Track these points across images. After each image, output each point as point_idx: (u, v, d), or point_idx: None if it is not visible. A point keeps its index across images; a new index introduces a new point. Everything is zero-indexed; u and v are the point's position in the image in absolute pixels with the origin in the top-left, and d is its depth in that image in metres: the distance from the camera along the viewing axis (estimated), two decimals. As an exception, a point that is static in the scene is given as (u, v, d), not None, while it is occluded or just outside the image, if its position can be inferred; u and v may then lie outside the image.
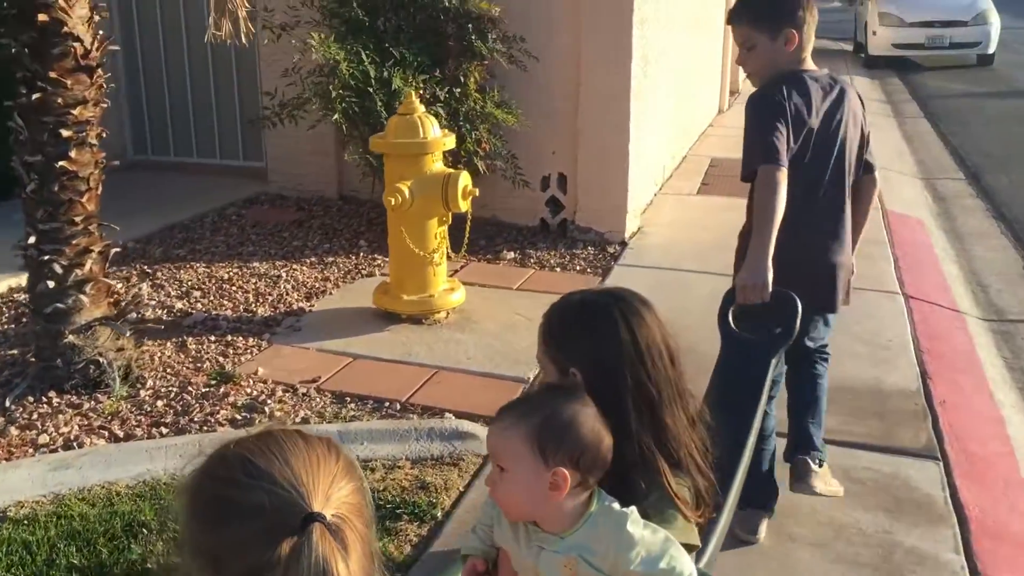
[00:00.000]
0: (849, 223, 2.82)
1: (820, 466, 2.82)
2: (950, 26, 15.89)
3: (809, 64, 2.79)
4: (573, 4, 5.69)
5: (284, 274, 5.00)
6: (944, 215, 7.17)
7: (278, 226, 5.80)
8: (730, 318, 2.52)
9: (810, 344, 2.86)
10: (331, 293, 4.82)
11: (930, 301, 5.05)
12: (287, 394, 3.70)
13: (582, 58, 5.71)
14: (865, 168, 2.87)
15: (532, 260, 5.51)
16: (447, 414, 3.56)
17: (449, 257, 4.60)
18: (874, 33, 16.23)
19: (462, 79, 5.20)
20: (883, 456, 3.38)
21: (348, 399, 3.67)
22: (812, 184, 2.71)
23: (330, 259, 5.28)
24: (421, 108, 4.36)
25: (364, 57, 4.83)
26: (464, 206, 4.34)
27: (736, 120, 10.68)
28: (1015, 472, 3.38)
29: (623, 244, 5.86)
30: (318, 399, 3.66)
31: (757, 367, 2.34)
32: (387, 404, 3.63)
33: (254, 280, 4.89)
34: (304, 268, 5.12)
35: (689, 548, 1.55)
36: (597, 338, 1.64)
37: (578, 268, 5.41)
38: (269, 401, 3.61)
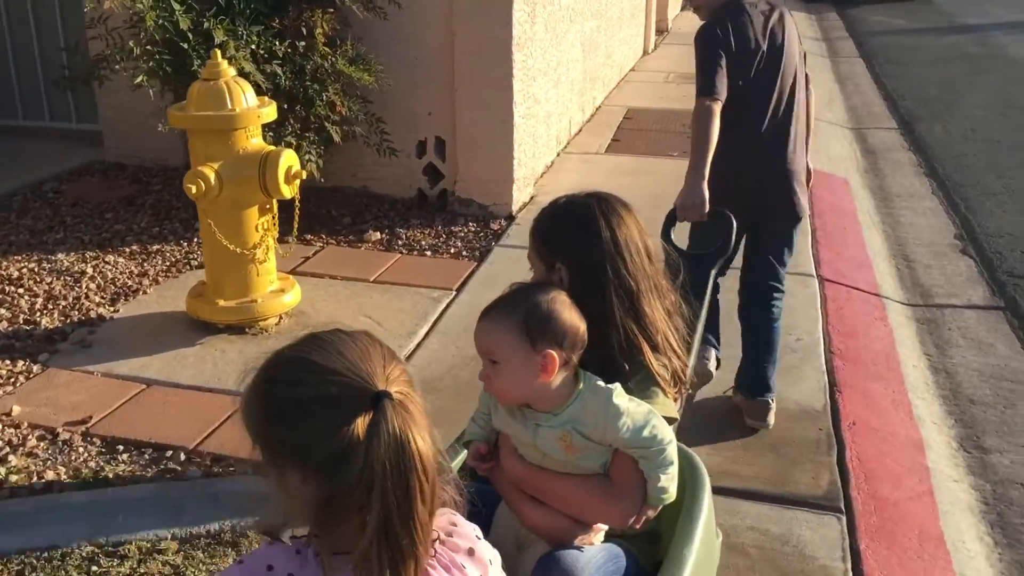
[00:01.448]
0: (803, 134, 3.13)
1: (773, 401, 3.18)
2: (890, -43, 15.19)
3: None
4: (444, -62, 4.86)
5: (91, 269, 4.19)
6: (873, 172, 6.55)
7: (102, 205, 4.95)
8: (671, 235, 2.65)
9: (778, 265, 3.16)
10: (145, 293, 4.03)
11: (848, 284, 4.43)
12: (43, 443, 2.95)
13: (455, 3, 4.90)
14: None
15: (401, 242, 4.77)
16: (242, 468, 2.85)
17: (285, 241, 3.84)
18: (811, -35, 15.46)
19: (305, 30, 4.37)
20: (774, 509, 2.75)
21: (121, 448, 2.93)
22: (763, 103, 2.97)
23: (156, 247, 4.48)
24: (230, 71, 3.55)
25: (176, 5, 3.97)
26: (288, 191, 3.57)
27: (662, 63, 9.94)
28: (933, 522, 2.78)
29: (510, 218, 5.14)
30: (82, 449, 2.92)
31: (700, 280, 2.46)
32: (169, 454, 2.91)
33: (50, 279, 4.08)
34: (120, 260, 4.31)
35: (669, 421, 1.68)
36: (580, 235, 1.77)
37: (452, 250, 4.69)
38: (11, 456, 2.85)
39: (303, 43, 4.39)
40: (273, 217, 3.70)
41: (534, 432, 1.64)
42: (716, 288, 3.00)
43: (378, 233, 4.85)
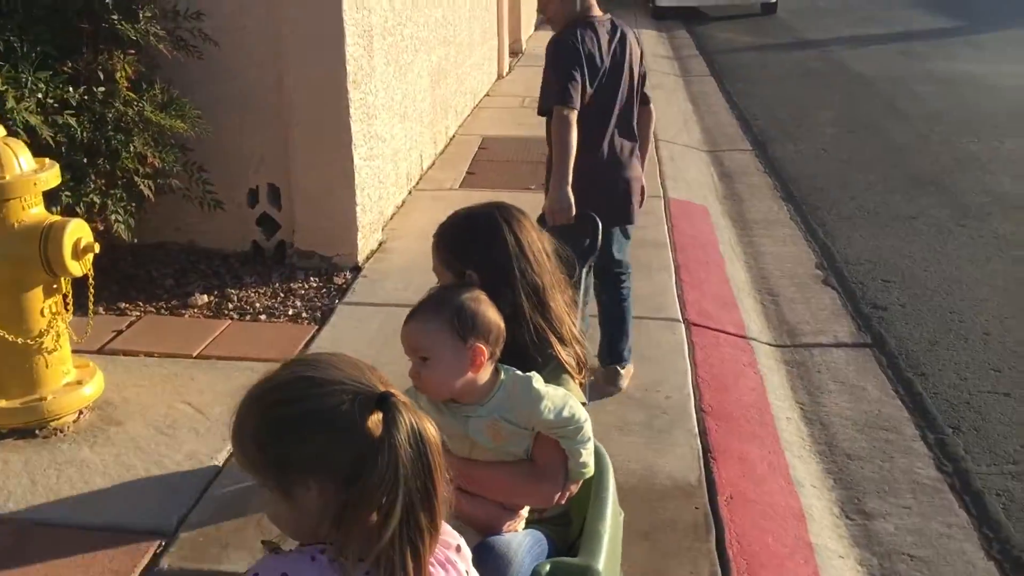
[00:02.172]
0: (637, 147, 3.37)
1: (624, 367, 3.54)
2: (734, -26, 15.56)
3: (596, 11, 3.27)
4: (264, -32, 4.40)
5: None
6: (731, 197, 6.45)
7: None
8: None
9: (618, 256, 3.45)
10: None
11: (715, 328, 4.22)
12: None
13: (283, 38, 4.45)
14: (643, 100, 3.41)
15: (232, 304, 4.27)
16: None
17: (89, 311, 3.30)
18: (660, -17, 15.67)
19: (103, 75, 3.84)
20: (651, 617, 2.44)
21: None
22: (605, 115, 3.22)
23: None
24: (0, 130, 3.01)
25: (-63, 51, 3.38)
26: (78, 269, 3.04)
27: (517, 87, 9.70)
28: (821, 613, 2.53)
29: (356, 270, 4.71)
30: None
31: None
32: (-78, 615, 2.35)
33: None
34: None
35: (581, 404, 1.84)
36: (486, 242, 1.90)
37: (291, 312, 4.22)
38: None
39: (102, 88, 3.84)
40: (65, 297, 3.16)
41: (465, 423, 1.75)
42: (588, 286, 3.17)
43: (205, 296, 4.33)
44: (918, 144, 7.56)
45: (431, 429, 1.16)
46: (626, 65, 3.24)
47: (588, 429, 1.78)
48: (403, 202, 5.86)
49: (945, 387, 3.82)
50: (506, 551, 1.69)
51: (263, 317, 4.17)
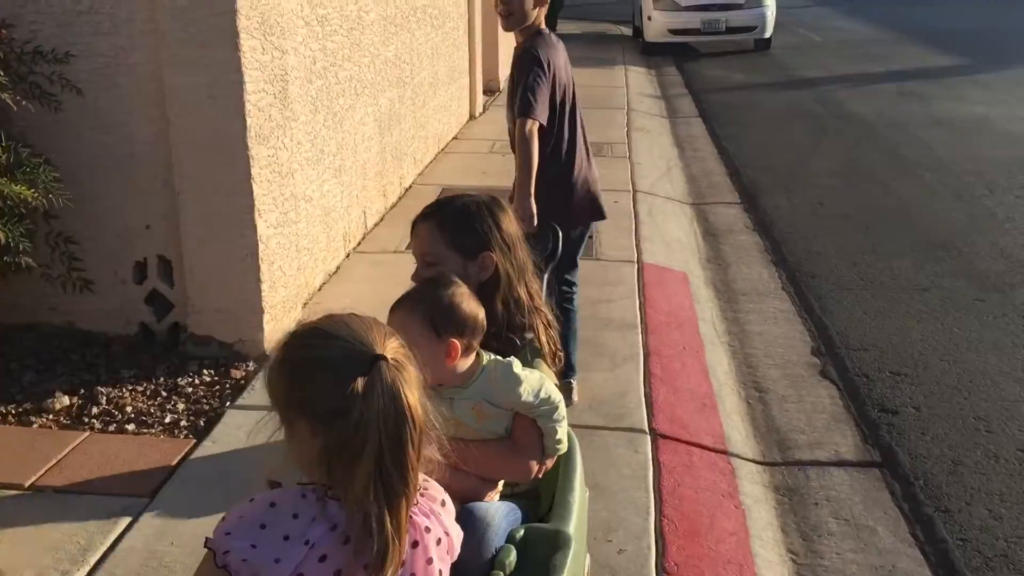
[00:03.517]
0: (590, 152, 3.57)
1: (575, 381, 3.54)
2: (726, 9, 14.95)
3: (543, 25, 3.41)
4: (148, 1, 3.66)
5: None
6: (715, 261, 5.69)
7: None
8: None
9: (573, 264, 3.57)
10: None
11: (688, 440, 3.43)
12: None
13: (166, 84, 3.71)
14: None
15: (98, 408, 3.48)
16: None
17: None
18: (649, 18, 15.06)
19: (-78, 132, 3.09)
20: None
21: None
22: (565, 124, 3.39)
23: None
24: None
25: None
26: None
27: (489, 129, 8.97)
28: None
29: (262, 359, 3.93)
30: None
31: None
32: None
33: None
34: None
35: None
36: (499, 226, 2.05)
37: (169, 418, 3.44)
38: None
39: (-75, 148, 3.09)
40: None
41: (450, 404, 1.83)
42: (551, 291, 3.12)
43: (68, 397, 3.55)
44: (925, 199, 6.82)
45: (411, 399, 1.26)
46: (571, 76, 3.44)
47: (563, 409, 1.92)
48: (337, 268, 5.09)
49: (975, 529, 3.03)
50: (485, 515, 1.79)
51: (131, 427, 3.38)
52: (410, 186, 6.82)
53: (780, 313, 4.82)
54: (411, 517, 1.29)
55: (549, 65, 3.22)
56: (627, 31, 18.22)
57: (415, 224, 2.11)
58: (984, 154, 8.02)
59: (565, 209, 3.36)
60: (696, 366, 4.08)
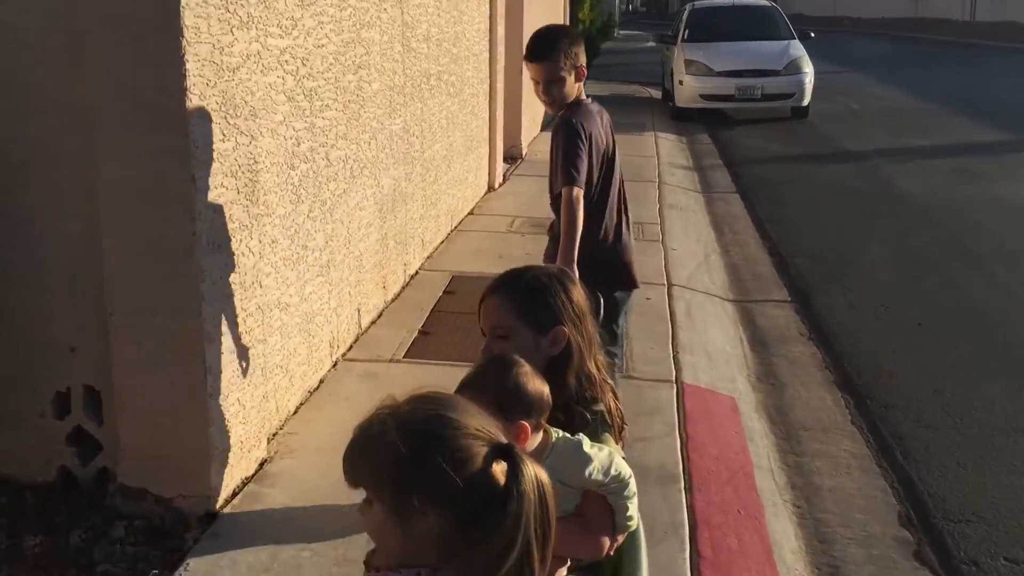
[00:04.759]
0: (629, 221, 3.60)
1: None
2: (762, 76, 14.25)
3: (583, 94, 3.46)
4: (76, 51, 2.93)
5: None
6: (767, 379, 4.84)
7: None
8: None
9: (622, 323, 3.55)
10: None
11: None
12: None
13: (99, 179, 2.96)
14: None
15: (-19, 597, 2.68)
16: None
17: None
18: (680, 83, 14.39)
19: None
20: None
21: None
22: (606, 192, 3.43)
23: None
24: None
25: None
26: None
27: (509, 203, 8.22)
28: None
29: (211, 518, 3.12)
30: None
31: None
32: None
33: None
34: None
35: None
36: (570, 299, 2.04)
37: (70, 616, 2.62)
38: None
39: None
40: None
41: None
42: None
43: (-55, 578, 2.74)
44: (1003, 303, 5.96)
45: (547, 478, 1.23)
46: (613, 142, 3.48)
47: (633, 485, 1.89)
48: (321, 382, 4.29)
49: None
50: None
51: (17, 630, 2.57)
52: (416, 273, 6.04)
53: (853, 459, 3.95)
54: None
55: (589, 135, 3.29)
56: (656, 94, 17.58)
57: (484, 297, 2.07)
58: (1060, 247, 7.17)
59: (601, 277, 3.20)
60: (757, 542, 3.22)
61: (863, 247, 7.30)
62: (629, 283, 3.51)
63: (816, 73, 14.55)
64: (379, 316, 5.21)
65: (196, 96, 2.90)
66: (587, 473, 1.81)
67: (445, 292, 5.70)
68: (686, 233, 7.59)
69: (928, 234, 7.67)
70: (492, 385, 1.75)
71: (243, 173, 3.26)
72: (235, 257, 3.21)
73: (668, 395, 4.30)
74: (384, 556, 1.27)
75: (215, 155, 3.04)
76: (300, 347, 4.01)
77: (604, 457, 1.84)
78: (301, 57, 3.87)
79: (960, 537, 3.35)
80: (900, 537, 3.37)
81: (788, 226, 8.02)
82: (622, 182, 3.52)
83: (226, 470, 3.21)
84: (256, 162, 3.38)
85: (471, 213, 7.85)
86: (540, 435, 1.83)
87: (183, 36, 2.81)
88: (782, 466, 3.89)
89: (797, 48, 14.78)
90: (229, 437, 3.22)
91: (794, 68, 14.34)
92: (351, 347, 4.73)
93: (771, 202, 8.97)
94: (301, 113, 3.92)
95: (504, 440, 1.25)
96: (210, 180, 3.00)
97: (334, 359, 4.51)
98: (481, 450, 1.21)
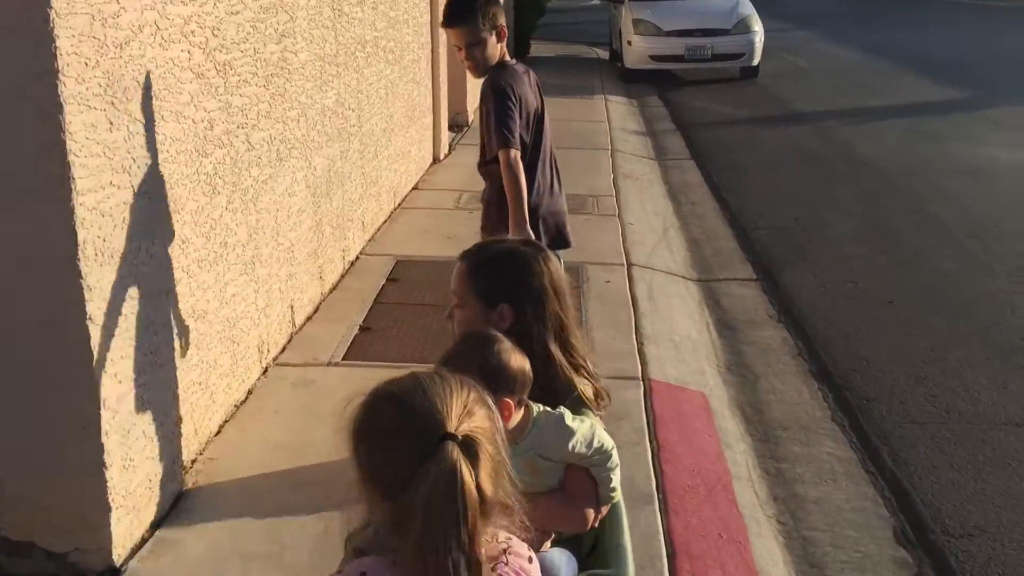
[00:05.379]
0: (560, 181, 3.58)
1: None
2: (711, 35, 13.88)
3: (507, 55, 3.43)
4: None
5: None
6: (738, 370, 4.49)
7: None
8: None
9: None
10: None
11: None
12: None
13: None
14: None
15: None
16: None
17: None
18: (629, 43, 13.95)
19: None
20: None
21: None
22: (537, 152, 3.41)
23: None
24: None
25: None
26: None
27: (456, 176, 7.68)
28: None
29: (113, 574, 2.66)
30: None
31: None
32: None
33: None
34: None
35: None
36: (523, 277, 2.01)
37: None
38: None
39: None
40: None
41: None
42: None
43: None
44: (977, 276, 5.68)
45: (471, 478, 1.25)
46: (543, 103, 3.46)
47: (616, 456, 1.89)
48: (249, 392, 3.83)
49: None
50: (551, 566, 1.79)
51: None
52: (356, 258, 5.57)
53: (838, 463, 3.62)
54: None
55: (519, 97, 3.26)
56: (603, 54, 17.10)
57: (458, 260, 2.09)
58: (1021, 209, 6.94)
59: (536, 237, 3.26)
60: (743, 572, 2.86)
61: (826, 217, 6.99)
62: (563, 242, 3.49)
63: (764, 31, 14.21)
64: (315, 311, 4.74)
65: (72, 79, 2.40)
66: (570, 446, 1.82)
67: (388, 280, 5.25)
68: (643, 206, 7.21)
69: (890, 201, 7.39)
70: (475, 361, 1.71)
71: (139, 167, 2.76)
72: (133, 267, 2.73)
73: (635, 395, 3.93)
74: (361, 530, 1.38)
75: (101, 149, 2.54)
76: (222, 357, 3.54)
77: (586, 429, 1.85)
78: (211, 27, 3.36)
79: (964, 556, 3.03)
80: (898, 559, 3.04)
81: (747, 194, 7.68)
82: (551, 145, 3.51)
83: (130, 516, 2.75)
84: (157, 152, 2.89)
85: (416, 188, 7.36)
86: (522, 410, 1.82)
87: (50, 7, 2.30)
88: (762, 474, 3.54)
89: (746, 6, 14.41)
90: (133, 476, 2.75)
91: (743, 27, 13.98)
92: (284, 349, 4.27)
93: (727, 169, 8.63)
94: (213, 91, 3.41)
95: (450, 429, 1.26)
96: (93, 181, 2.51)
97: (264, 365, 4.04)
98: (412, 434, 1.27)
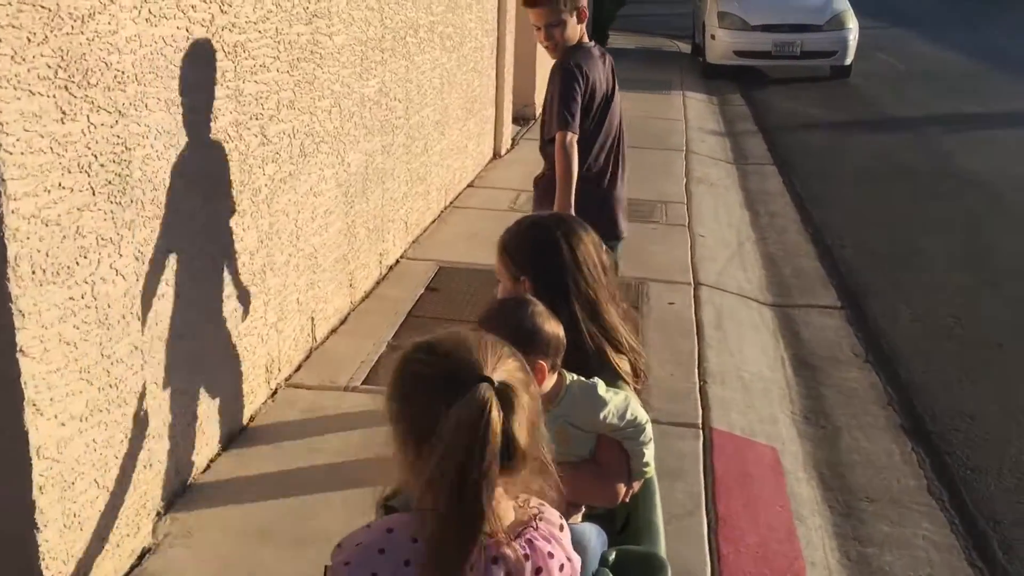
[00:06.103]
0: (626, 168, 3.50)
1: None
2: (801, 31, 13.05)
3: (586, 37, 3.39)
4: None
5: None
6: (816, 420, 3.87)
7: None
8: None
9: None
10: None
11: None
12: None
13: None
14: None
15: None
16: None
17: None
18: (713, 37, 13.20)
19: None
20: None
21: None
22: (604, 138, 3.36)
23: None
24: None
25: None
26: None
27: (516, 172, 7.06)
28: None
29: (48, 653, 2.22)
30: None
31: None
32: None
33: None
34: None
35: None
36: (543, 253, 1.99)
37: None
38: None
39: None
40: None
41: None
42: None
43: None
44: (1103, 317, 4.93)
45: (496, 419, 1.19)
46: (617, 90, 3.42)
47: (650, 430, 1.87)
48: (251, 419, 3.38)
49: None
50: (581, 538, 1.71)
51: None
52: (396, 262, 5.09)
53: (935, 551, 3.00)
54: (532, 542, 1.26)
55: (586, 77, 3.23)
56: (685, 48, 16.34)
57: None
58: None
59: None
60: None
61: (923, 238, 6.26)
62: (613, 234, 3.35)
63: (860, 29, 13.31)
64: (342, 322, 4.27)
65: (6, 57, 1.94)
66: (602, 416, 1.81)
67: (427, 289, 4.76)
68: (716, 215, 6.58)
69: (999, 223, 6.61)
70: (509, 324, 1.69)
71: (104, 166, 2.31)
72: (89, 286, 2.27)
73: (692, 447, 3.36)
74: (394, 480, 1.35)
75: (47, 144, 2.09)
76: (218, 384, 3.09)
77: (620, 401, 1.83)
78: (218, 2, 2.89)
79: None
80: None
81: (833, 208, 6.98)
82: (621, 130, 3.46)
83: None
84: (132, 148, 2.43)
85: (471, 185, 6.86)
86: (555, 377, 1.81)
87: (-24, -35, 1.85)
88: (842, 560, 2.94)
89: (841, 1, 13.52)
90: (77, 537, 2.31)
91: (837, 23, 13.11)
92: (300, 367, 3.82)
93: (812, 177, 7.91)
94: (220, 77, 2.95)
95: (486, 373, 1.22)
96: (36, 181, 2.05)
97: (273, 386, 3.60)
98: (445, 379, 1.22)
